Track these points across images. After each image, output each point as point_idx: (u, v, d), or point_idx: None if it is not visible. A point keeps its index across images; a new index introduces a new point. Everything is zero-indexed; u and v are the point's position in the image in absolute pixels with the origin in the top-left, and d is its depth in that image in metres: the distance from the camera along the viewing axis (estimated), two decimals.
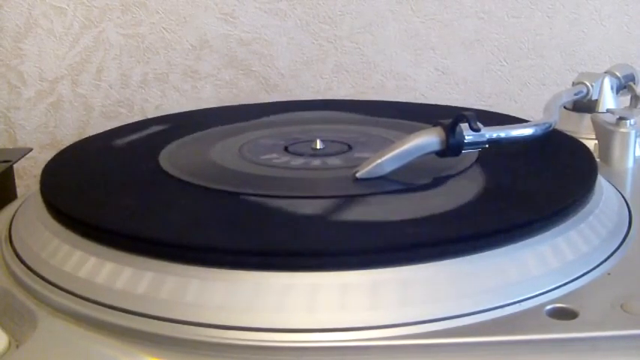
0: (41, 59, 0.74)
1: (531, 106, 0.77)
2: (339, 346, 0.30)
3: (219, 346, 0.30)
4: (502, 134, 0.44)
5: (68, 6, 0.73)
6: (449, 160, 0.42)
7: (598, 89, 0.55)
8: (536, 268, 0.33)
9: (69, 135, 0.76)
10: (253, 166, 0.45)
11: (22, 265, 0.37)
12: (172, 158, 0.46)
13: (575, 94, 0.55)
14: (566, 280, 0.33)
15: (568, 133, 0.51)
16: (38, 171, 0.44)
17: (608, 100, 0.55)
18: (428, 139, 0.41)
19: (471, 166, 0.43)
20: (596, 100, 0.55)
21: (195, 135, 0.52)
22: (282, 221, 0.37)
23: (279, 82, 0.77)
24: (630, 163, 0.50)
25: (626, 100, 0.56)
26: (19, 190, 0.56)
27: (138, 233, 0.35)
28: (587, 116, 0.55)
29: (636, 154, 0.50)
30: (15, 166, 0.54)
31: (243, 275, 0.32)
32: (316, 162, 0.46)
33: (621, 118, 0.50)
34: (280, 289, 0.31)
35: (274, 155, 0.47)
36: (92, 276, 0.34)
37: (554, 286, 0.33)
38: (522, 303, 0.32)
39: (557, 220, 0.36)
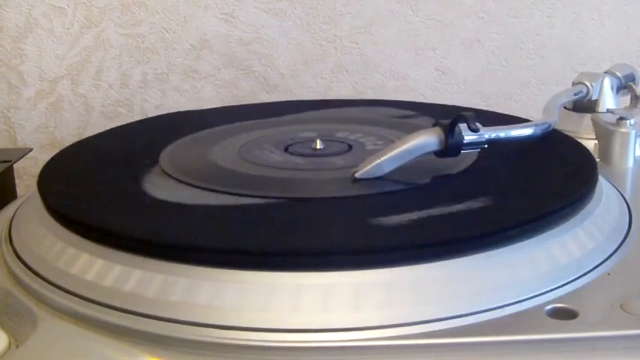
0: (41, 59, 0.74)
1: (531, 106, 0.77)
2: (337, 346, 0.30)
3: (218, 345, 0.30)
4: (501, 134, 0.44)
5: (68, 6, 0.73)
6: (448, 161, 0.42)
7: (598, 89, 0.55)
8: (536, 268, 0.33)
9: (69, 135, 0.76)
10: (253, 166, 0.45)
11: (22, 265, 0.37)
12: (172, 158, 0.46)
13: (575, 94, 0.55)
14: (566, 280, 0.33)
15: (568, 133, 0.51)
16: (38, 171, 0.44)
17: (608, 100, 0.55)
18: (427, 139, 0.41)
19: (470, 166, 0.43)
20: (596, 100, 0.55)
21: (195, 135, 0.52)
22: (283, 222, 0.37)
23: (279, 82, 0.77)
24: (630, 163, 0.50)
25: (626, 100, 0.56)
26: (19, 190, 0.56)
27: (138, 233, 0.35)
28: (587, 116, 0.55)
29: (636, 154, 0.50)
30: (15, 166, 0.54)
31: (241, 275, 0.32)
32: (316, 162, 0.46)
33: (621, 118, 0.50)
34: (278, 289, 0.31)
35: (274, 155, 0.47)
36: (92, 276, 0.34)
37: (554, 286, 0.33)
38: (522, 303, 0.32)
39: (557, 220, 0.36)
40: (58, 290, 0.34)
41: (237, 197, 0.39)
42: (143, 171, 0.44)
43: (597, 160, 0.49)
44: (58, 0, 0.73)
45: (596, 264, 0.35)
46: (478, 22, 0.77)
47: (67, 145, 0.51)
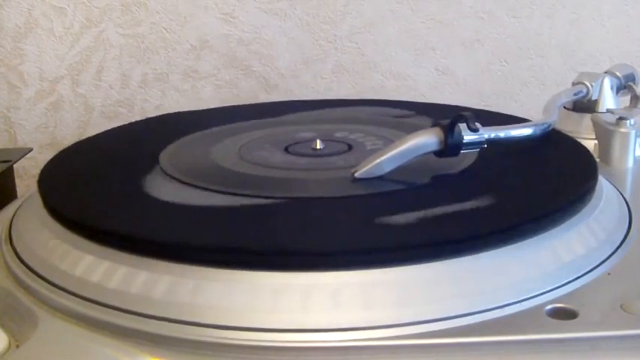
0: (41, 59, 0.74)
1: (531, 106, 0.77)
2: (337, 346, 0.30)
3: (218, 345, 0.30)
4: (501, 134, 0.44)
5: (68, 6, 0.73)
6: (448, 160, 0.42)
7: (598, 89, 0.55)
8: (536, 268, 0.33)
9: (69, 135, 0.76)
10: (253, 166, 0.45)
11: (23, 265, 0.37)
12: (172, 158, 0.46)
13: (575, 94, 0.55)
14: (566, 280, 0.33)
15: (568, 133, 0.51)
16: (38, 171, 0.44)
17: (608, 100, 0.55)
18: (427, 139, 0.41)
19: (470, 166, 0.43)
20: (596, 100, 0.55)
21: (195, 135, 0.52)
22: (280, 222, 0.37)
23: (279, 82, 0.77)
24: (630, 163, 0.50)
25: (626, 100, 0.56)
26: (19, 190, 0.56)
27: (136, 233, 0.35)
28: (587, 116, 0.55)
29: (636, 154, 0.50)
30: (15, 166, 0.54)
31: (241, 275, 0.32)
32: (316, 162, 0.46)
33: (621, 118, 0.50)
34: (277, 289, 0.31)
35: (274, 155, 0.47)
36: (92, 276, 0.34)
37: (554, 286, 0.33)
38: (522, 303, 0.32)
39: (557, 220, 0.36)
40: (58, 290, 0.34)
41: (236, 197, 0.39)
42: (143, 171, 0.44)
43: (597, 160, 0.49)
44: (58, 0, 0.73)
45: (596, 264, 0.35)
46: (478, 22, 0.77)
47: (67, 145, 0.51)
